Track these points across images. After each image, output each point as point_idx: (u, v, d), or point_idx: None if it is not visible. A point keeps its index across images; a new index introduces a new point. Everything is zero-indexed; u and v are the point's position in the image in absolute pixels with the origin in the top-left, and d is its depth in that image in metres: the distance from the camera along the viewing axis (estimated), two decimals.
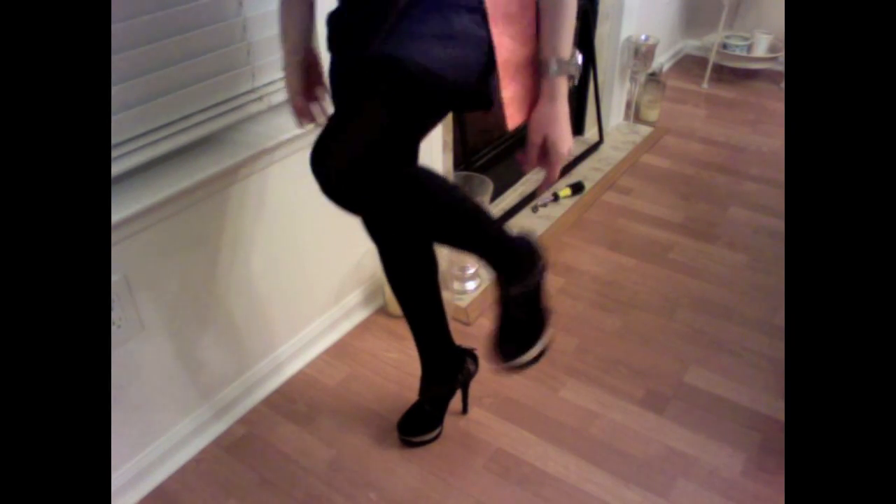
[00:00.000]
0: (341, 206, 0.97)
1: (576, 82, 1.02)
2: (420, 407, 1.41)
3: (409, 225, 1.12)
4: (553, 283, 1.87)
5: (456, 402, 1.49)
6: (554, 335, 1.20)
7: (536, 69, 1.03)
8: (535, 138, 1.03)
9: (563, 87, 1.01)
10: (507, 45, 0.98)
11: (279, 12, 1.13)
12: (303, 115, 1.20)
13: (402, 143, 0.98)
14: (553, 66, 0.99)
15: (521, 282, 1.12)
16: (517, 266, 1.11)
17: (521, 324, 1.16)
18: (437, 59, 0.92)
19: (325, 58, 1.18)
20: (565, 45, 0.99)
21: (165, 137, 1.18)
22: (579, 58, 1.02)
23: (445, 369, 1.38)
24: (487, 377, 1.57)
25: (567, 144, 1.03)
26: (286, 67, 1.17)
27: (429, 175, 1.01)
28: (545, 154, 1.05)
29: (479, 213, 1.06)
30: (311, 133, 1.40)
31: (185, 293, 1.29)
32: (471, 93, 1.01)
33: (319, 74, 1.21)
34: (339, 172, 0.92)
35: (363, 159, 0.92)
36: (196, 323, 1.33)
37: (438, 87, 0.94)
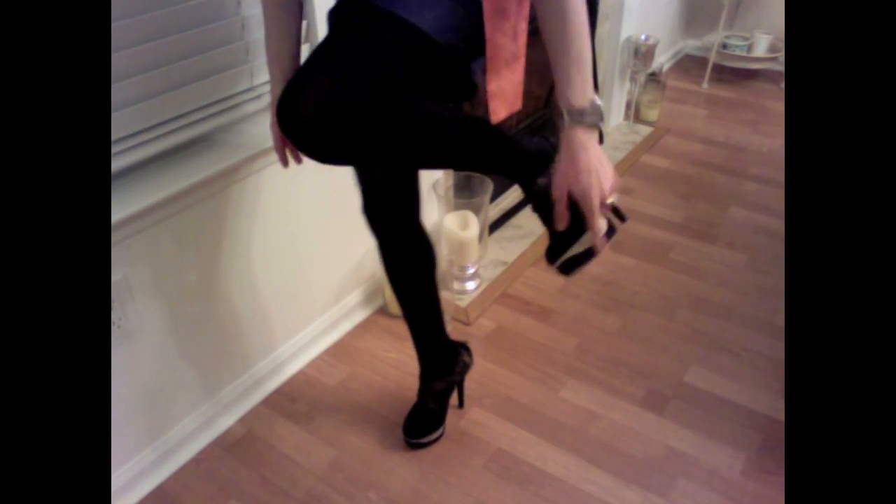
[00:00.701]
0: (313, 149, 0.89)
1: (601, 128, 0.90)
2: (422, 407, 1.41)
3: (393, 155, 0.98)
4: (553, 283, 1.87)
5: (453, 399, 1.49)
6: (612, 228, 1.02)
7: (523, 65, 1.00)
8: (556, 193, 0.93)
9: (581, 140, 0.88)
10: (497, 41, 0.95)
11: (269, 36, 1.06)
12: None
13: (381, 78, 0.88)
14: (565, 118, 0.87)
15: (544, 173, 0.99)
16: (532, 162, 0.99)
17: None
18: (425, 18, 0.87)
19: None
20: (578, 92, 0.86)
21: (164, 135, 1.18)
22: (599, 101, 0.88)
23: (443, 364, 1.38)
24: (488, 377, 1.57)
25: (596, 196, 0.90)
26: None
27: (413, 101, 0.91)
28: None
29: (479, 127, 0.97)
30: None
31: (185, 293, 1.28)
32: (453, 66, 0.94)
33: None
34: (316, 103, 0.84)
35: (342, 88, 0.84)
36: (196, 323, 1.33)
37: (423, 43, 0.88)
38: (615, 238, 1.04)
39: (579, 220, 0.98)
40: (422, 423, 1.40)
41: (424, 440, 1.40)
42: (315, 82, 0.86)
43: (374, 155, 0.94)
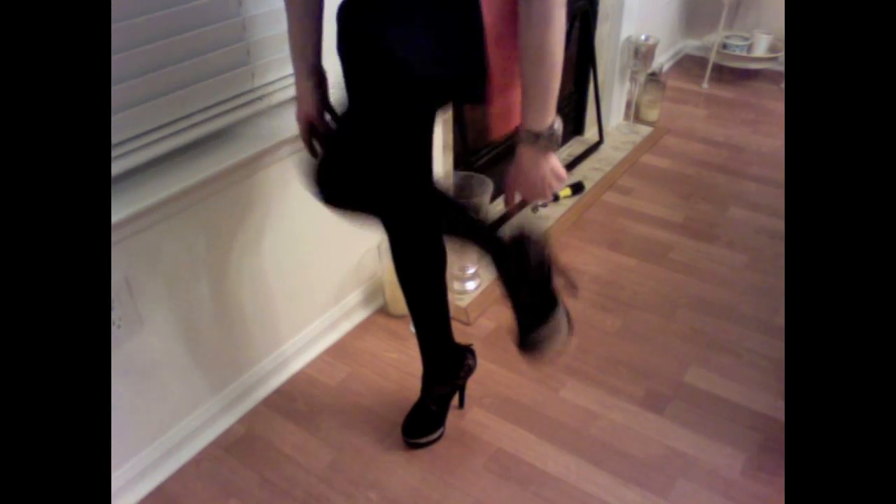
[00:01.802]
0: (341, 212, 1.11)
1: (556, 148, 1.00)
2: (423, 408, 1.41)
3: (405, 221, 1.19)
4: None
5: (453, 400, 1.49)
6: (566, 325, 1.20)
7: (519, 83, 1.03)
8: (508, 186, 1.05)
9: (532, 158, 0.98)
10: (499, 65, 0.98)
11: (292, 31, 1.10)
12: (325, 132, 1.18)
13: (398, 145, 1.05)
14: (522, 137, 0.97)
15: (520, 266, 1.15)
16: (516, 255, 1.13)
17: (530, 308, 1.16)
18: (420, 52, 0.95)
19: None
20: (538, 118, 0.95)
21: (164, 137, 1.18)
22: (558, 125, 0.97)
23: (448, 368, 1.38)
24: (488, 377, 1.57)
25: (539, 197, 1.04)
26: (305, 91, 1.14)
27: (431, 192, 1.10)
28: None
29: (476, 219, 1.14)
30: None
31: (185, 293, 1.29)
32: (458, 85, 1.02)
33: (327, 95, 1.19)
34: (343, 184, 1.08)
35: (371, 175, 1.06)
36: (195, 323, 1.33)
37: (419, 78, 0.97)
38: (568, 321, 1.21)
39: (545, 308, 1.16)
40: (421, 423, 1.40)
41: (423, 440, 1.40)
42: (343, 169, 1.08)
43: (380, 216, 1.18)
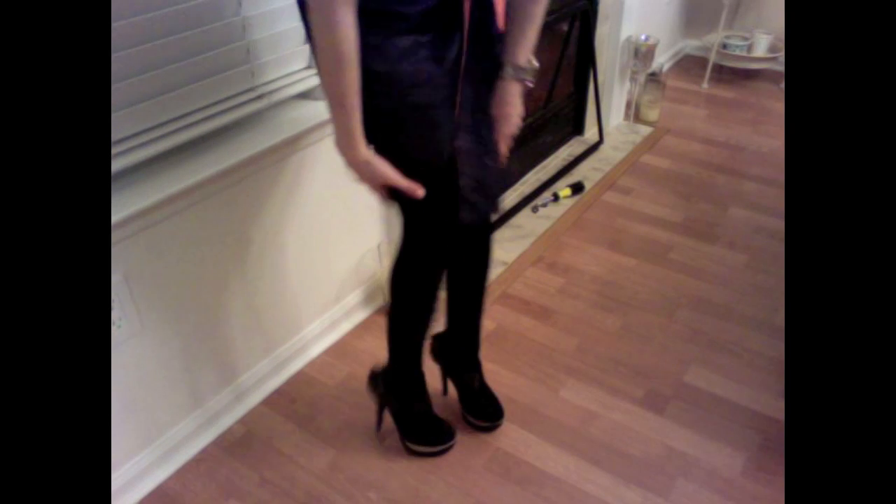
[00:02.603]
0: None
1: (530, 85, 1.12)
2: (427, 416, 1.40)
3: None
4: (553, 283, 1.87)
5: (454, 401, 1.49)
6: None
7: None
8: (500, 125, 1.14)
9: (517, 90, 1.10)
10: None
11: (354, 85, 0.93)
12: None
13: None
14: (510, 72, 1.08)
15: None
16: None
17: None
18: None
19: None
20: (528, 53, 1.08)
21: (164, 136, 1.18)
22: (535, 62, 1.10)
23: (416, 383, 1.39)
24: (488, 377, 1.56)
25: (516, 127, 1.15)
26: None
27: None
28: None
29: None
30: (314, 131, 1.40)
31: (185, 293, 1.28)
32: None
33: None
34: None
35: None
36: (196, 323, 1.33)
37: None
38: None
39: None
40: (433, 430, 1.39)
41: (449, 444, 1.39)
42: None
43: None
